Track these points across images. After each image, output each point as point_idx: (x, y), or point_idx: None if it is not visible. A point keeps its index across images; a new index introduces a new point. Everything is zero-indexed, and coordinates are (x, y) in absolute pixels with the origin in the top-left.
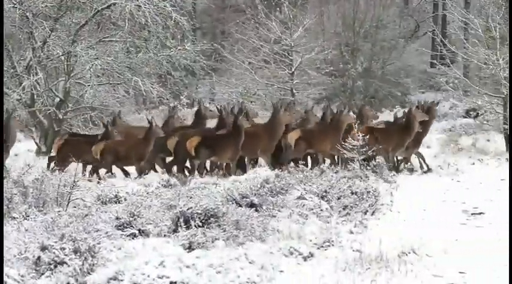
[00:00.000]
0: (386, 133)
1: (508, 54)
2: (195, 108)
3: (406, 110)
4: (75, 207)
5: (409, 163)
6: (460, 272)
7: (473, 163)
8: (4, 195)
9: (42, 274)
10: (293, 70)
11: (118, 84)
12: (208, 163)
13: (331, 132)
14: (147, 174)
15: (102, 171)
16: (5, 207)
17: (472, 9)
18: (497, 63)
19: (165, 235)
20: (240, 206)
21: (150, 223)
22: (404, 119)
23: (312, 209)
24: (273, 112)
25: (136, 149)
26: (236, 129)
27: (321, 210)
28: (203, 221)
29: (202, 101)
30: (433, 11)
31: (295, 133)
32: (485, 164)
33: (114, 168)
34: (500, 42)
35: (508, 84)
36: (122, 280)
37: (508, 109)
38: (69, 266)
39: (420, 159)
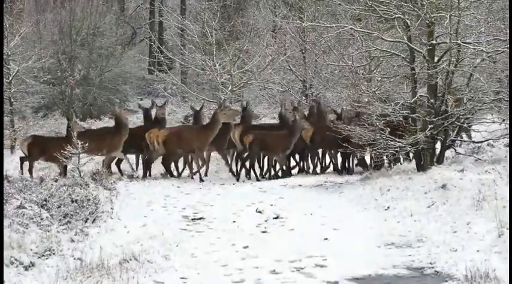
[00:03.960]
0: None
1: (223, 59)
2: None
3: None
4: None
5: None
6: (182, 278)
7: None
8: None
9: None
10: (10, 79)
11: None
12: None
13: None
14: None
15: None
16: None
17: (188, 16)
18: (214, 69)
19: None
20: None
21: None
22: None
23: (33, 218)
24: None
25: None
26: None
27: (42, 219)
28: None
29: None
30: (150, 18)
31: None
32: None
33: None
34: (216, 48)
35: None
36: None
37: None
38: None
39: None
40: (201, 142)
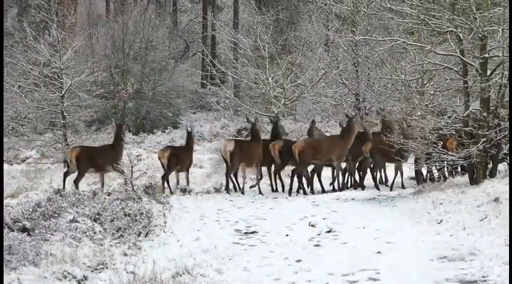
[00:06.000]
0: None
1: (276, 73)
2: None
3: None
4: None
5: None
6: None
7: (246, 183)
8: None
9: None
10: (63, 93)
11: None
12: None
13: None
14: None
15: None
16: None
17: (240, 29)
18: (266, 82)
19: None
20: (12, 230)
21: None
22: None
23: (85, 232)
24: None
25: None
26: None
27: (94, 233)
28: None
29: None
30: (202, 32)
31: None
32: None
33: None
34: (269, 62)
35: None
36: None
37: None
38: None
39: None
40: (339, 152)
